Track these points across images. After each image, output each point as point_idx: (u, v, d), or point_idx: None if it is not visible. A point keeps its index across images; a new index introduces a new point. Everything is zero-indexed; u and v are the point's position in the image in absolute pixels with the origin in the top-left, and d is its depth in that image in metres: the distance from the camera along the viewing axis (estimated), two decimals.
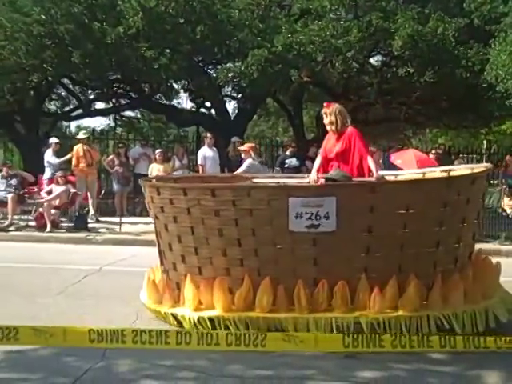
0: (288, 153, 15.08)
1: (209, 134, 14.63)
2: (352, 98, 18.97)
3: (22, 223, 13.01)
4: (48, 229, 12.19)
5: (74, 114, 22.54)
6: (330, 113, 6.55)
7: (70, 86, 20.84)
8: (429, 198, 5.52)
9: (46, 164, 14.36)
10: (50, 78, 16.99)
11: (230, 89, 18.86)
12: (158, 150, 15.28)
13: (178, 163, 15.01)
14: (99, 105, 22.97)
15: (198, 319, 5.56)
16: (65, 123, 29.45)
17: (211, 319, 5.52)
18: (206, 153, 13.98)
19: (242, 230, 5.57)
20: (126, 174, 15.11)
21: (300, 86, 16.84)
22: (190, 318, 5.61)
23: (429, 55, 14.87)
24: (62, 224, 13.05)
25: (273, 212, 5.47)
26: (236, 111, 22.05)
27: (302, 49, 14.86)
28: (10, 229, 12.40)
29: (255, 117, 24.22)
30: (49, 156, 14.37)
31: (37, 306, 6.50)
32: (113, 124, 28.51)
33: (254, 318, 5.46)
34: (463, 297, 5.58)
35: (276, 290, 5.49)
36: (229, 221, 5.58)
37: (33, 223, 12.77)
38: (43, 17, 14.78)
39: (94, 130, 24.19)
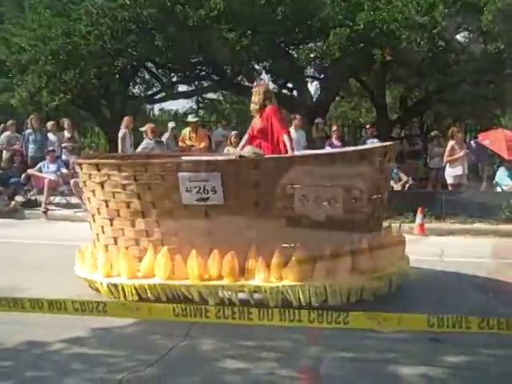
0: (369, 134, 14.88)
1: (298, 116, 14.33)
2: (437, 76, 18.40)
3: None
4: None
5: (157, 96, 22.88)
6: (255, 92, 6.99)
7: (154, 70, 21.14)
8: (313, 173, 5.71)
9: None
10: (134, 62, 17.32)
11: (312, 69, 18.67)
12: (233, 132, 14.58)
13: None
14: (182, 87, 23.15)
15: (107, 284, 6.08)
16: (148, 106, 29.98)
17: (116, 285, 6.01)
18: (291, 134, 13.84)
19: (145, 204, 6.03)
20: None
21: (383, 65, 16.46)
22: (101, 283, 6.15)
23: None
24: None
25: (168, 186, 5.86)
26: (318, 92, 21.79)
27: (385, 27, 14.46)
28: None
29: (338, 98, 23.87)
30: (165, 139, 14.73)
31: None
32: (195, 106, 28.81)
33: (151, 285, 5.85)
34: (350, 270, 5.76)
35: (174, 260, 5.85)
36: (133, 194, 6.05)
37: None
38: (127, 1, 15.07)
39: (176, 112, 24.48)
